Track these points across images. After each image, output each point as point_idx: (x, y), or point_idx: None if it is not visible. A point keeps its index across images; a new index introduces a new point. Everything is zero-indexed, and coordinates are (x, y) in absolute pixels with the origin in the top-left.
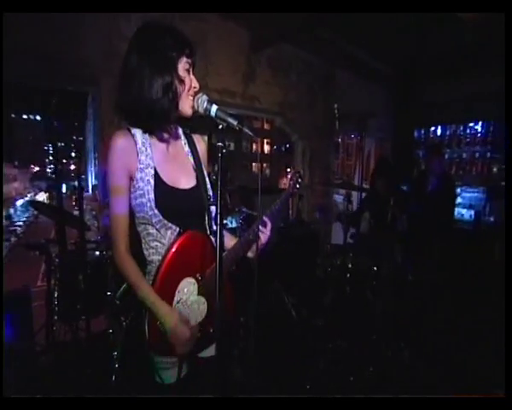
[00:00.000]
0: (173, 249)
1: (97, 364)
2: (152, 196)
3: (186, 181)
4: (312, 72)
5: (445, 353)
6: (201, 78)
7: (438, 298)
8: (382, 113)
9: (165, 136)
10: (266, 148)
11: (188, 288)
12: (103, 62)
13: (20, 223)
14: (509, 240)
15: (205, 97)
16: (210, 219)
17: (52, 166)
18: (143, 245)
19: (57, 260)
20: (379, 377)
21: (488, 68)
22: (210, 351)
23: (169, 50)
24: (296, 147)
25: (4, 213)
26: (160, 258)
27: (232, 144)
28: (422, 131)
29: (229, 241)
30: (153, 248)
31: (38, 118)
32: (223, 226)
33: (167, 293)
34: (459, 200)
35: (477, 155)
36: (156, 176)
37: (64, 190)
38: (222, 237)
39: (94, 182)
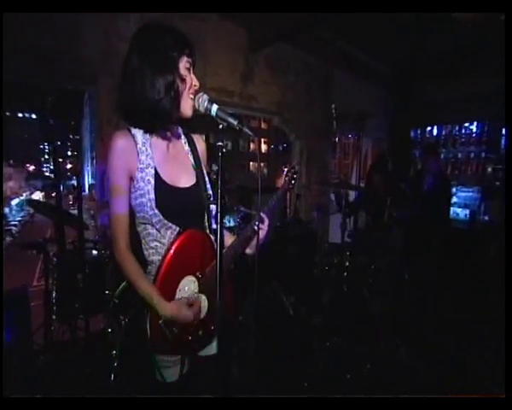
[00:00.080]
0: (173, 249)
1: (96, 363)
2: (152, 195)
3: (186, 180)
4: (310, 72)
5: (441, 351)
6: (200, 77)
7: (434, 296)
8: (379, 113)
9: (168, 135)
10: (263, 147)
11: (188, 286)
12: (102, 62)
13: (15, 222)
14: (509, 240)
15: (206, 97)
16: (209, 217)
17: (50, 164)
18: (143, 245)
19: (55, 259)
20: (376, 375)
21: (484, 69)
22: (210, 349)
23: (170, 50)
24: (294, 146)
25: None
26: (160, 258)
27: (229, 144)
28: (419, 131)
29: (228, 239)
30: (153, 248)
31: (34, 116)
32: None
33: (168, 292)
34: (454, 199)
35: (472, 155)
36: (156, 176)
37: (61, 189)
38: (222, 235)
39: (90, 181)
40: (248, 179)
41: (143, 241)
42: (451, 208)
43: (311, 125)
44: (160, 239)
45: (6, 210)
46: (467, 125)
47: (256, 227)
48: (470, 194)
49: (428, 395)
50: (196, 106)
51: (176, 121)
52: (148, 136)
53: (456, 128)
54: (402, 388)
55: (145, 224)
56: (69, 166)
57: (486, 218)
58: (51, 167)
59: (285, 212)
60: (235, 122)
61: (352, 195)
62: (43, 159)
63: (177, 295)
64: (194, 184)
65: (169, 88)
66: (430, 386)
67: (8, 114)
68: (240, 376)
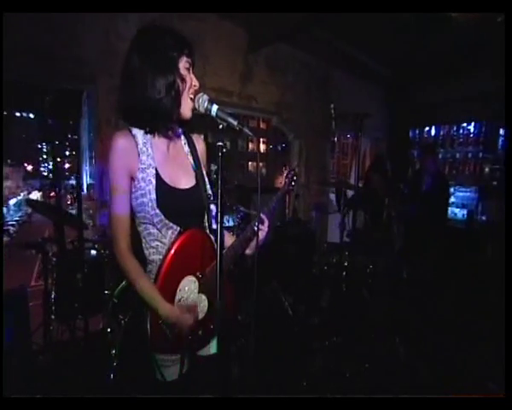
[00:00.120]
0: (174, 249)
1: (96, 363)
2: (153, 196)
3: (186, 181)
4: (309, 72)
5: (441, 350)
6: (199, 77)
7: (431, 295)
8: (378, 113)
9: (169, 134)
10: (262, 147)
11: (188, 286)
12: (101, 61)
13: (13, 222)
14: (509, 240)
15: (206, 97)
16: (209, 217)
17: (49, 164)
18: (144, 245)
19: (54, 258)
20: (375, 375)
21: (482, 69)
22: (209, 349)
23: (170, 50)
24: (292, 146)
25: None
26: (161, 257)
27: (228, 143)
28: (417, 132)
29: (228, 239)
30: (153, 247)
31: (32, 116)
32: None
33: (169, 292)
34: (452, 199)
35: (470, 155)
36: (157, 176)
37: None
38: (223, 235)
39: (89, 181)
40: (247, 179)
41: (144, 240)
42: (449, 208)
43: (309, 125)
44: (161, 239)
45: (4, 210)
46: (465, 125)
47: (256, 228)
48: (468, 194)
49: (428, 395)
50: (196, 106)
51: (176, 122)
52: (148, 136)
53: (454, 128)
54: (402, 388)
55: (146, 224)
56: (67, 165)
57: (484, 218)
58: (49, 167)
59: (284, 212)
60: (236, 122)
61: (350, 194)
62: (40, 158)
63: (178, 295)
64: (194, 186)
65: (169, 88)
66: (430, 386)
67: (5, 113)
68: (239, 375)
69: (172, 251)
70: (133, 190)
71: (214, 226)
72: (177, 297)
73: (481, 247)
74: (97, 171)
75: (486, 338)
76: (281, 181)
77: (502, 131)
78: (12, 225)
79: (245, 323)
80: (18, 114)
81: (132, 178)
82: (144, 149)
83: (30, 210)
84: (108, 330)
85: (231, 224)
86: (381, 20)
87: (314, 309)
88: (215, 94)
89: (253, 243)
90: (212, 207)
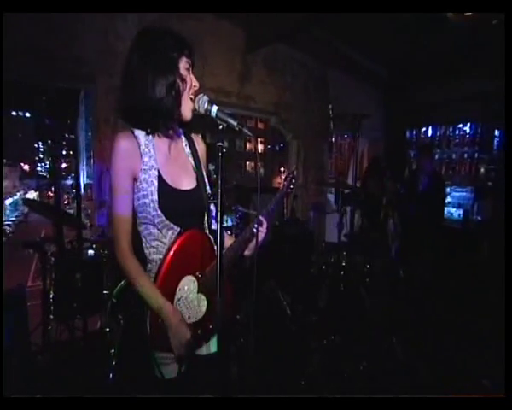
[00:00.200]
0: (174, 249)
1: (95, 362)
2: (155, 196)
3: (187, 182)
4: (307, 72)
5: (436, 348)
6: (198, 78)
7: (428, 294)
8: (376, 113)
9: (170, 134)
10: (260, 147)
11: (188, 286)
12: (100, 61)
13: (9, 222)
14: (509, 240)
15: (205, 98)
16: (209, 218)
17: (45, 164)
18: (144, 244)
19: (53, 258)
20: (373, 374)
21: (480, 70)
22: (208, 349)
23: (170, 51)
24: (290, 146)
25: None
26: (161, 257)
27: (226, 143)
28: (414, 132)
29: (227, 240)
30: (154, 247)
31: (28, 115)
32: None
33: (168, 291)
34: (448, 199)
35: (465, 155)
36: (159, 177)
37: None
38: (223, 235)
39: (86, 181)
40: (245, 179)
41: (144, 240)
42: (445, 208)
43: (307, 126)
44: (162, 239)
45: None
46: (461, 126)
47: (255, 230)
48: (464, 194)
49: (428, 395)
50: (196, 107)
51: (177, 122)
52: (150, 137)
53: (450, 129)
54: (401, 388)
55: (146, 224)
56: (64, 165)
57: (479, 217)
58: (46, 167)
59: (282, 212)
60: (235, 123)
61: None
62: (37, 158)
63: (177, 295)
64: (195, 187)
65: (170, 88)
66: (430, 386)
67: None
68: (238, 374)
69: (172, 251)
70: (135, 190)
71: (214, 226)
72: (176, 296)
73: (477, 246)
74: (95, 170)
75: (484, 337)
76: (279, 182)
77: (497, 132)
78: (8, 225)
79: (244, 322)
80: (14, 113)
81: (134, 179)
82: (146, 150)
83: (26, 210)
84: (107, 329)
85: (229, 224)
86: (381, 21)
87: (312, 308)
88: (214, 94)
89: (252, 245)
90: (212, 207)
